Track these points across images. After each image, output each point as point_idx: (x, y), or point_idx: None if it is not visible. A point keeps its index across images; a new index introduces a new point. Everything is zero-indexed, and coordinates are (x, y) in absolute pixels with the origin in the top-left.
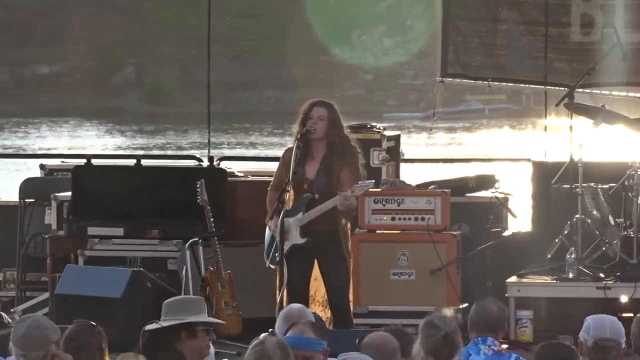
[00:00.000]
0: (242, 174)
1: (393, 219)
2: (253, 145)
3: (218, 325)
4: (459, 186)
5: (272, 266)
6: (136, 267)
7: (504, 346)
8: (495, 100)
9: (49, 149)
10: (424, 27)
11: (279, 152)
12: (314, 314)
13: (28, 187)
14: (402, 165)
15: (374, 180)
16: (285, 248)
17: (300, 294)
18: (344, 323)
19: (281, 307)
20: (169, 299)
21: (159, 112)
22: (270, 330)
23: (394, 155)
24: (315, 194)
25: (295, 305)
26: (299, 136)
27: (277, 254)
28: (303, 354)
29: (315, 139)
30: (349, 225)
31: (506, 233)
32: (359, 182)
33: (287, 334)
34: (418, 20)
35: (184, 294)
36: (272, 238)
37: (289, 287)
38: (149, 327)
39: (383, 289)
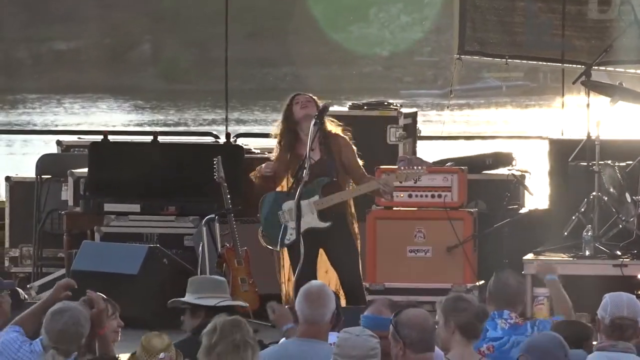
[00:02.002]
0: (258, 151)
1: (410, 196)
2: (270, 122)
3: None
4: (476, 163)
5: (276, 249)
6: (153, 243)
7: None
8: (513, 77)
9: (66, 125)
10: (441, 4)
11: None
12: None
13: (45, 163)
14: (419, 143)
15: (424, 167)
16: (299, 230)
17: (310, 277)
18: (360, 304)
19: (298, 290)
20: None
21: (176, 89)
22: (288, 307)
23: (411, 132)
24: (333, 178)
25: (316, 283)
26: (317, 113)
27: (287, 238)
28: (380, 334)
29: (304, 120)
30: (352, 209)
31: (523, 210)
32: (409, 168)
33: (365, 313)
34: None
35: (201, 271)
36: (279, 222)
37: (299, 269)
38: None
39: (399, 266)
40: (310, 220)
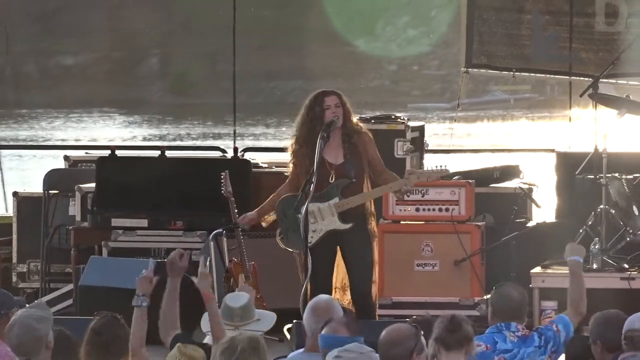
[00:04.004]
0: (266, 165)
1: (417, 209)
2: (277, 136)
3: None
4: (483, 177)
5: (296, 251)
6: (160, 258)
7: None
8: (520, 90)
9: (73, 140)
10: (448, 17)
11: None
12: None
13: (52, 178)
14: (426, 156)
15: (446, 165)
16: (320, 234)
17: (325, 282)
18: (366, 310)
19: (305, 297)
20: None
21: (184, 102)
22: (295, 321)
23: (418, 145)
24: (353, 178)
25: (323, 297)
26: (324, 127)
27: (310, 240)
28: None
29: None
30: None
31: (530, 224)
32: (433, 167)
33: (321, 333)
34: (442, 10)
35: None
36: (298, 226)
37: (314, 275)
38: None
39: (407, 280)
40: (331, 222)
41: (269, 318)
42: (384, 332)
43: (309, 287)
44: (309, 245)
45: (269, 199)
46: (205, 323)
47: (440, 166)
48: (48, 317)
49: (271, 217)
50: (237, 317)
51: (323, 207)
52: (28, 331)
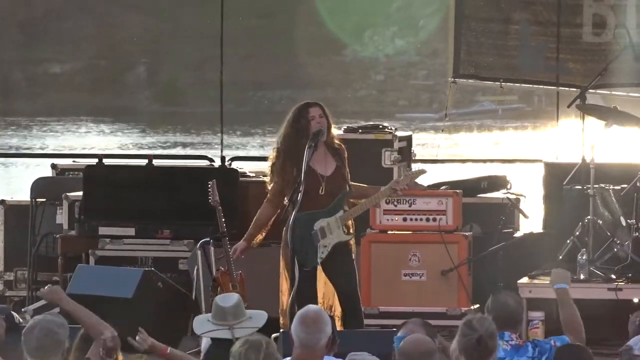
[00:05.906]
0: (253, 174)
1: (404, 219)
2: (265, 145)
3: None
4: (471, 187)
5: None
6: (147, 267)
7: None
8: (507, 101)
9: (61, 148)
10: (436, 28)
11: None
12: (330, 315)
13: (39, 186)
14: (414, 166)
15: (420, 168)
16: (329, 248)
17: (311, 294)
18: (356, 315)
19: (292, 310)
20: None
21: (171, 111)
22: (281, 331)
23: (406, 155)
24: (344, 189)
25: (312, 307)
26: (312, 136)
27: (319, 257)
28: None
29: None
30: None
31: (518, 234)
32: (409, 171)
33: (398, 334)
34: (430, 20)
35: (195, 295)
36: (311, 242)
37: (296, 291)
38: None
39: (394, 289)
40: (338, 235)
41: (260, 316)
42: (406, 344)
43: (295, 297)
44: (319, 260)
45: (252, 223)
46: (197, 325)
47: (417, 170)
48: (66, 326)
49: (259, 238)
50: (230, 316)
51: (331, 222)
52: (49, 334)
